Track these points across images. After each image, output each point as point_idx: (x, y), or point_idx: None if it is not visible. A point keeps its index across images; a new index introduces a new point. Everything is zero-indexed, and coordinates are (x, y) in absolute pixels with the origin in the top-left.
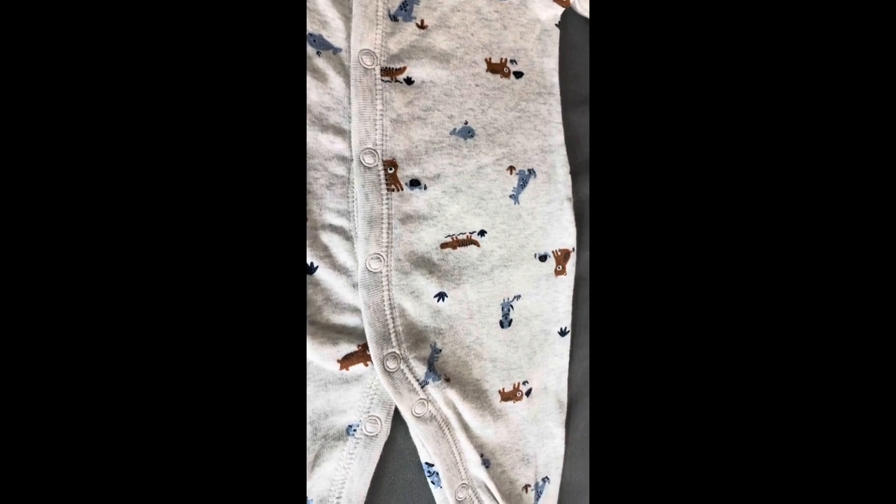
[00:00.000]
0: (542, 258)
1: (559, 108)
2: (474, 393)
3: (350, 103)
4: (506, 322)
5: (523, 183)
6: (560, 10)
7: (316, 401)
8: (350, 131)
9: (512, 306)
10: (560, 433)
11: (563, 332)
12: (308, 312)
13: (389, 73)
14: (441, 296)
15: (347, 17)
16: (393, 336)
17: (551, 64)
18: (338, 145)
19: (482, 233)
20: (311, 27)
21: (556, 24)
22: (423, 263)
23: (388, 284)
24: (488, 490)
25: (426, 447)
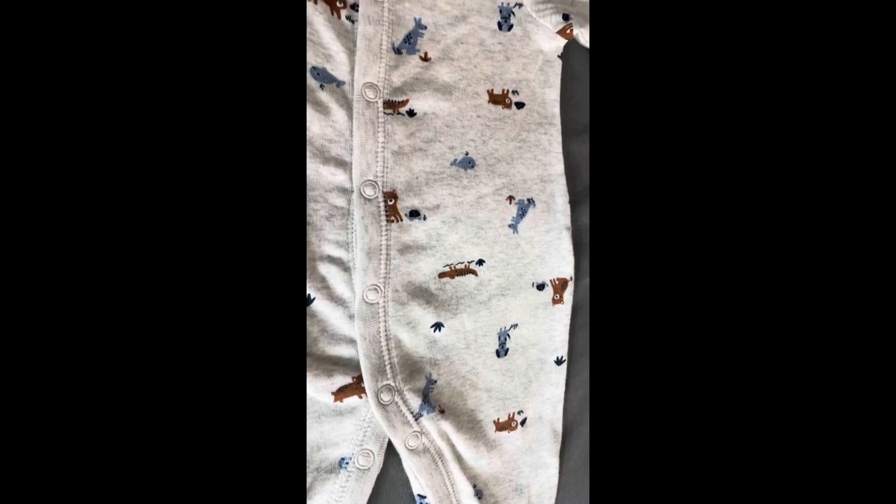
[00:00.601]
0: (540, 287)
1: (559, 138)
2: (469, 423)
3: (352, 136)
4: (502, 351)
5: (522, 212)
6: (563, 41)
7: (309, 433)
8: (351, 163)
9: (509, 335)
10: (554, 463)
11: (559, 361)
12: None
13: (392, 106)
14: (438, 326)
15: (351, 51)
16: (388, 368)
17: (553, 94)
18: (338, 177)
19: (480, 262)
20: (315, 60)
21: (559, 56)
22: (421, 293)
23: (384, 315)
24: None
25: (419, 479)
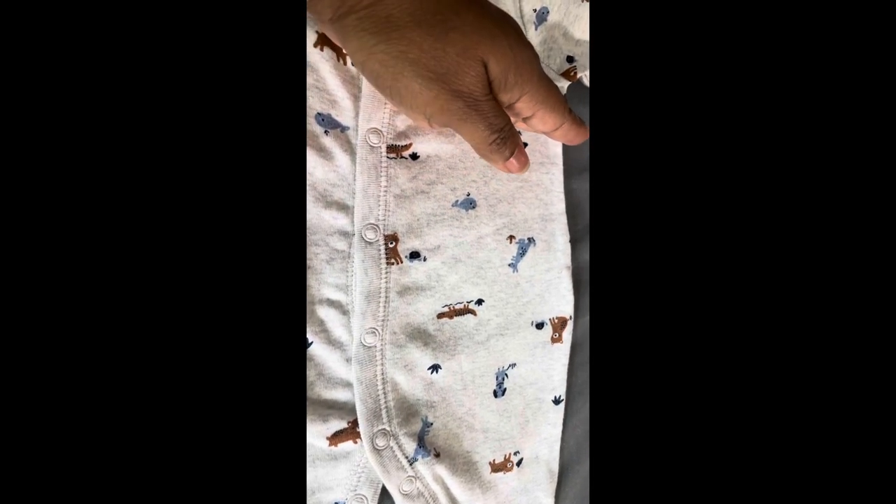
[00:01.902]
0: (539, 326)
1: (561, 178)
2: (464, 466)
3: (355, 180)
4: (500, 391)
5: (523, 251)
6: (567, 83)
7: None
8: (353, 207)
9: (507, 375)
10: (550, 503)
11: (556, 401)
12: None
13: (395, 150)
14: (435, 367)
15: (356, 97)
16: (384, 412)
17: None
18: (340, 220)
19: (480, 301)
20: (320, 107)
21: None
22: (419, 335)
23: (381, 359)
24: None
25: None
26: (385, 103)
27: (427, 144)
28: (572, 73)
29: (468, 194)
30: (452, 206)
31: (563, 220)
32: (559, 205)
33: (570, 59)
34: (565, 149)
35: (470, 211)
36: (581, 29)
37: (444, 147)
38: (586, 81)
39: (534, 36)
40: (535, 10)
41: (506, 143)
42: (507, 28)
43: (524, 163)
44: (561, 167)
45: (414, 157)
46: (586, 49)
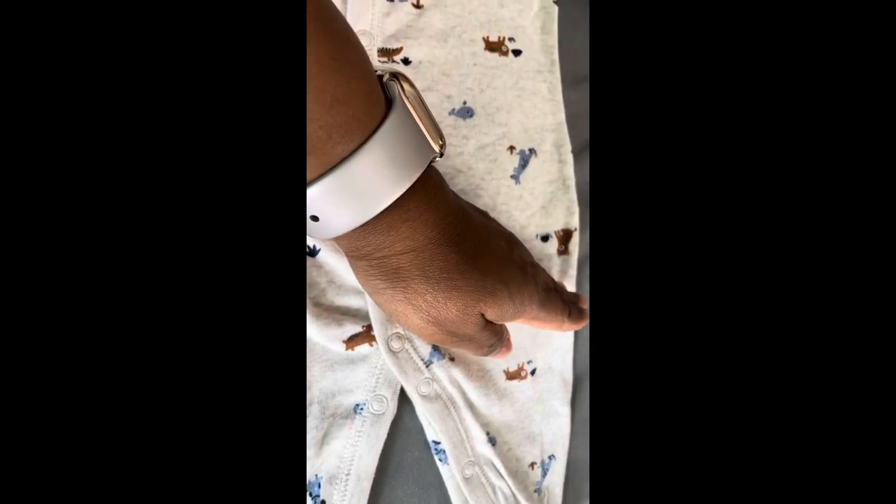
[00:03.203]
0: (545, 238)
1: (560, 86)
2: (479, 372)
3: None
4: None
5: (524, 163)
6: None
7: (323, 381)
8: None
9: None
10: (566, 412)
11: None
12: (312, 294)
13: (386, 54)
14: None
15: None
16: None
17: (550, 41)
18: None
19: (484, 214)
20: None
21: (555, 1)
22: None
23: None
24: (495, 467)
25: (432, 425)
26: (373, 4)
27: (419, 49)
28: None
29: (465, 102)
30: (449, 114)
31: (564, 130)
32: (559, 114)
33: None
34: (562, 58)
35: (468, 120)
36: None
37: (436, 52)
38: None
39: None
40: None
41: (496, 348)
42: (509, 274)
43: (509, 350)
44: (558, 76)
45: (406, 61)
46: None
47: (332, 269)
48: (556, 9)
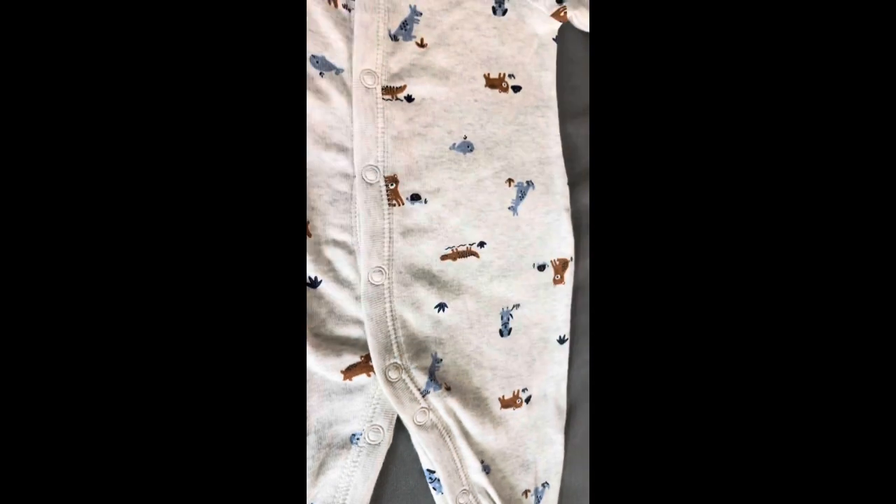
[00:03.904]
0: (541, 268)
1: (556, 121)
2: (474, 401)
3: (352, 122)
4: (505, 331)
5: (522, 195)
6: (557, 24)
7: (321, 410)
8: (352, 149)
9: (511, 315)
10: (559, 439)
11: (561, 340)
12: (312, 325)
13: (390, 92)
14: (441, 306)
15: (349, 38)
16: (395, 347)
17: (549, 77)
18: (340, 163)
19: (482, 244)
20: (314, 49)
21: (554, 39)
22: (424, 275)
23: (389, 296)
24: (489, 495)
25: (427, 454)
26: (378, 44)
27: (422, 86)
28: (562, 14)
29: (465, 137)
30: (450, 148)
31: (561, 163)
32: (556, 148)
33: (559, 0)
34: (560, 92)
35: (468, 154)
36: None
37: (438, 89)
38: (576, 22)
39: None
40: None
41: None
42: None
43: None
44: (556, 110)
45: (409, 99)
46: None
47: (332, 299)
48: (554, 46)
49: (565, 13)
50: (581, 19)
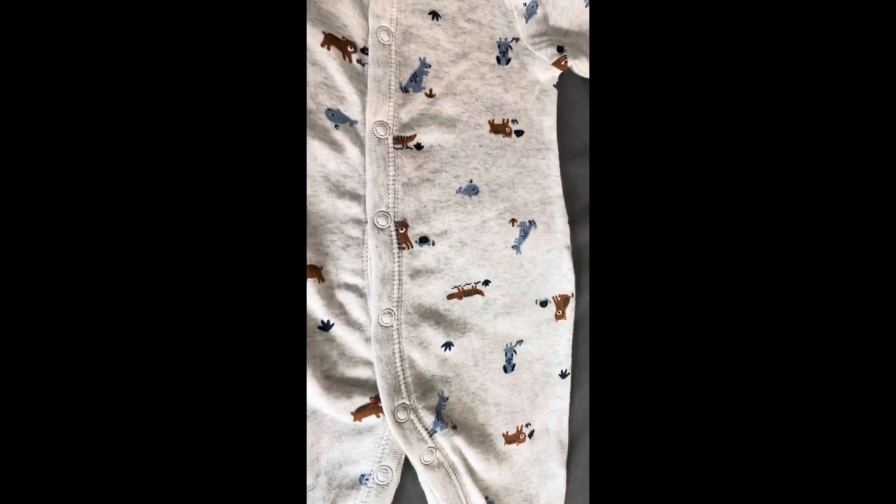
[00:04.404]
0: (543, 304)
1: (557, 162)
2: (479, 438)
3: (365, 170)
4: (509, 367)
5: (524, 234)
6: (558, 72)
7: (331, 452)
8: (364, 196)
9: (515, 351)
10: (561, 473)
11: (563, 375)
12: (324, 367)
13: (401, 141)
14: (448, 345)
15: (363, 92)
16: (403, 387)
17: (549, 121)
18: (353, 209)
19: (486, 282)
20: (329, 103)
21: (554, 85)
22: (431, 315)
23: (398, 337)
24: None
25: (434, 492)
26: (389, 97)
27: (430, 135)
28: (563, 63)
29: (471, 181)
30: (457, 192)
31: (561, 202)
32: (556, 188)
33: (560, 50)
34: (559, 135)
35: (473, 197)
36: (568, 20)
37: (445, 137)
38: (576, 70)
39: (524, 29)
40: (524, 4)
41: None
42: None
43: None
44: (556, 152)
45: (418, 147)
46: (574, 39)
47: (344, 342)
48: (555, 92)
49: (566, 62)
50: (581, 67)
